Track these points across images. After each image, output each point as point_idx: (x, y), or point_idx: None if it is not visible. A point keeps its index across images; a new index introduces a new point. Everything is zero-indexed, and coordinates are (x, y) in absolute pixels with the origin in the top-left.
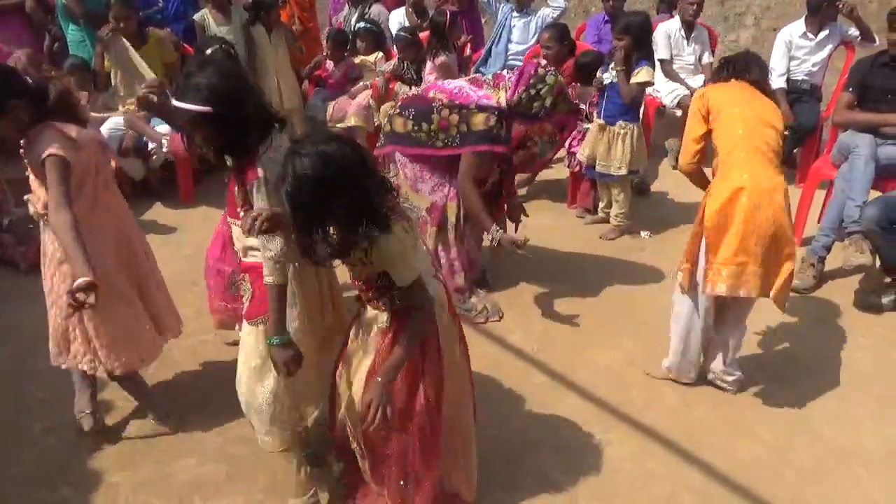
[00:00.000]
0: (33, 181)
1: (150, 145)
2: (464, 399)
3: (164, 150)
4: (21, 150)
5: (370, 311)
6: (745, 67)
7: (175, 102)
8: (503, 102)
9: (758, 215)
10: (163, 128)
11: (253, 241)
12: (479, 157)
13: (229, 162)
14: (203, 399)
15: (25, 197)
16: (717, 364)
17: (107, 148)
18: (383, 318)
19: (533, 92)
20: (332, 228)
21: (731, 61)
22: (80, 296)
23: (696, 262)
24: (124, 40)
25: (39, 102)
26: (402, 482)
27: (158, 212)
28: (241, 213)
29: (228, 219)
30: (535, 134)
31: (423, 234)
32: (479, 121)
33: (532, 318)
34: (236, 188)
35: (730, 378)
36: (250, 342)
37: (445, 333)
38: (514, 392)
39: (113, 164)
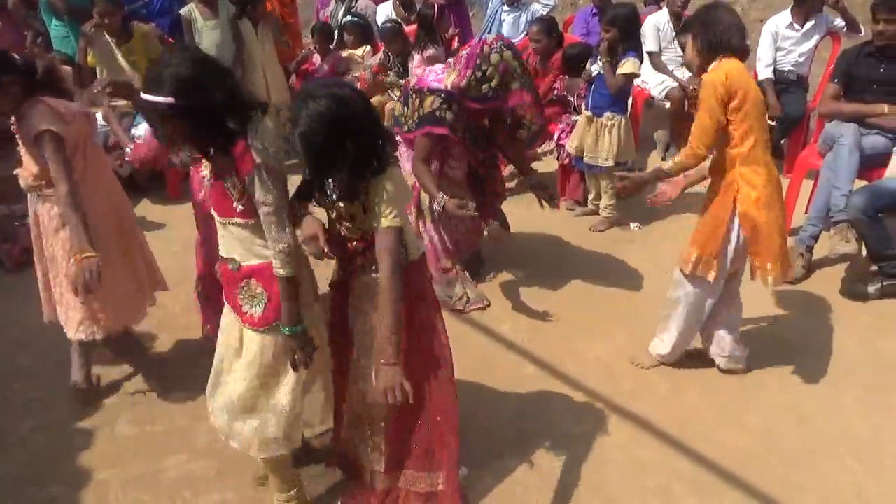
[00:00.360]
0: (24, 155)
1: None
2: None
3: (127, 158)
4: (13, 128)
5: (359, 283)
6: (741, 41)
7: (143, 95)
8: (450, 85)
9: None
10: (141, 129)
11: (258, 242)
12: (424, 138)
13: (210, 154)
14: (190, 396)
15: (16, 171)
16: (726, 344)
17: (93, 119)
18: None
19: (479, 74)
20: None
21: (720, 34)
22: (87, 276)
23: (721, 252)
24: (108, 37)
25: (28, 77)
26: (426, 456)
27: (146, 208)
28: (238, 207)
29: (218, 217)
30: (523, 117)
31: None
32: (427, 104)
33: (522, 308)
34: (227, 182)
35: (744, 354)
36: (254, 350)
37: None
38: (505, 383)
39: None
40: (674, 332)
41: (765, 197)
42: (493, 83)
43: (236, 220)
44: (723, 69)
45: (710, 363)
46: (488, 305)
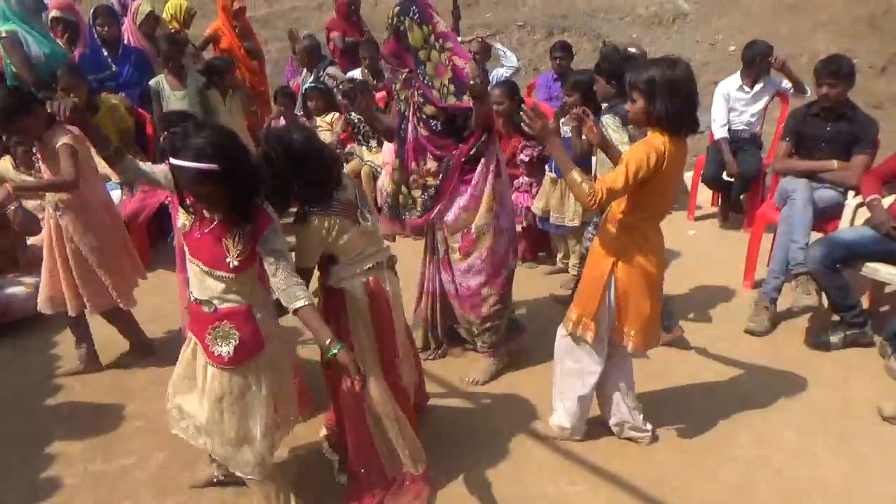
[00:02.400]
0: (45, 172)
1: None
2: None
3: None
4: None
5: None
6: (694, 117)
7: (175, 161)
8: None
9: None
10: (115, 194)
11: (237, 291)
12: None
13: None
14: (154, 472)
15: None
16: (621, 411)
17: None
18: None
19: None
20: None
21: (681, 110)
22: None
23: (598, 312)
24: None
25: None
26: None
27: None
28: (233, 263)
29: (204, 266)
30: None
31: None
32: None
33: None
34: (230, 239)
35: (642, 424)
36: (222, 390)
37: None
38: (479, 444)
39: None
40: (566, 401)
41: (643, 265)
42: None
43: (224, 273)
44: (663, 139)
45: (682, 421)
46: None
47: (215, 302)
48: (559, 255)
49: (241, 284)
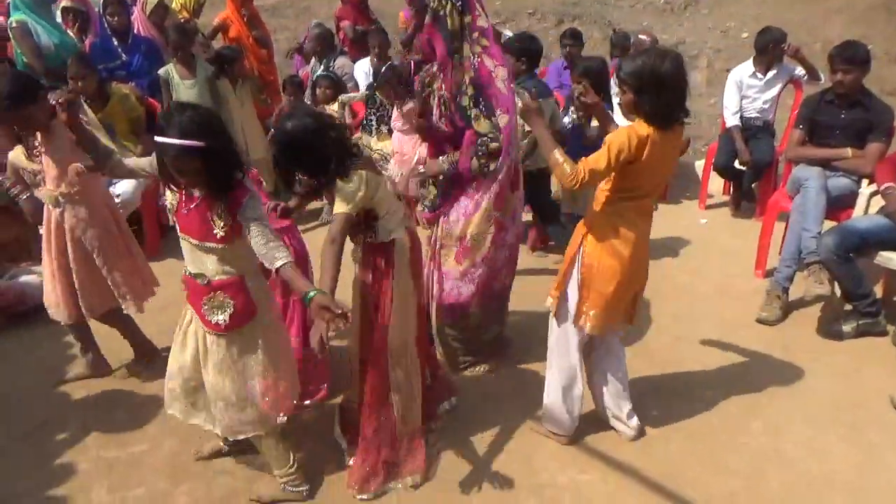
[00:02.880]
0: (54, 171)
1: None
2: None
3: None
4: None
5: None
6: (682, 110)
7: (160, 139)
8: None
9: None
10: (125, 184)
11: (229, 262)
12: None
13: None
14: (169, 458)
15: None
16: (609, 401)
17: None
18: (354, 253)
19: None
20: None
21: (668, 103)
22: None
23: (564, 290)
24: (83, 103)
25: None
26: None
27: None
28: (220, 234)
29: (194, 240)
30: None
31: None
32: None
33: (507, 356)
34: (214, 212)
35: (631, 415)
36: (221, 354)
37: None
38: (489, 436)
39: None
40: (549, 391)
41: (616, 246)
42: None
43: (214, 245)
44: (648, 131)
45: (693, 410)
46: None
47: (208, 274)
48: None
49: (231, 255)
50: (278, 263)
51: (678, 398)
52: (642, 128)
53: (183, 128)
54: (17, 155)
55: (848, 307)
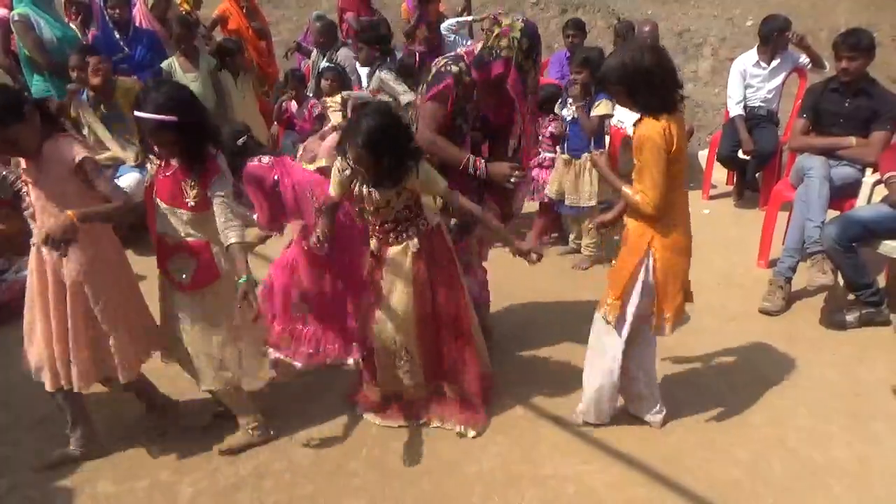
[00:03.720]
0: (46, 206)
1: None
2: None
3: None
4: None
5: (391, 252)
6: (676, 91)
7: (137, 113)
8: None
9: None
10: (128, 178)
11: (194, 227)
12: (431, 103)
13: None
14: (173, 449)
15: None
16: (642, 392)
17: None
18: (412, 245)
19: (486, 39)
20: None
21: (660, 94)
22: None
23: (625, 297)
24: (88, 93)
25: (44, 113)
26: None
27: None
28: (190, 203)
29: (165, 205)
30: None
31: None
32: (433, 69)
33: (511, 348)
34: (187, 182)
35: (659, 416)
36: (192, 308)
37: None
38: (492, 424)
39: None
40: (589, 386)
41: (679, 242)
42: (489, 44)
43: (184, 211)
44: (661, 124)
45: (695, 400)
46: None
47: (173, 234)
48: (571, 237)
49: (199, 224)
50: (230, 241)
51: (680, 387)
52: (656, 131)
53: (158, 103)
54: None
55: (851, 297)
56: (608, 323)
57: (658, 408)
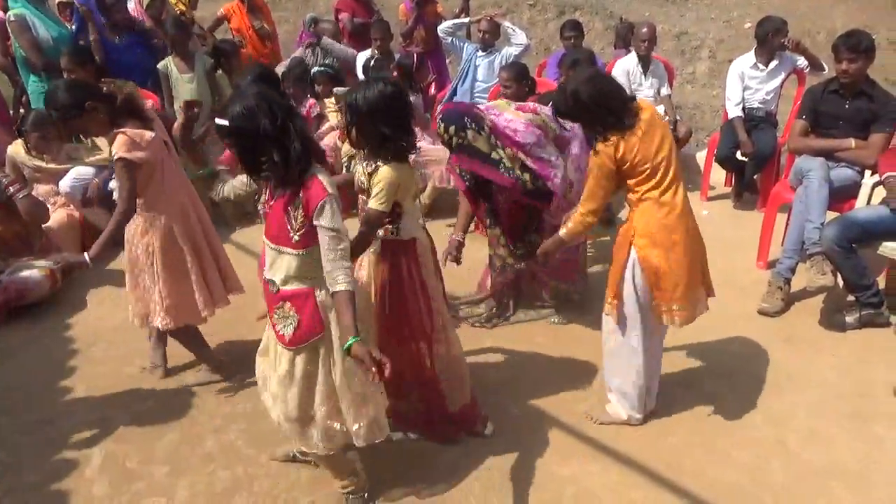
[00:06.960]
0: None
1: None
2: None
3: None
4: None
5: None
6: (623, 114)
7: (217, 120)
8: None
9: None
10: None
11: (301, 271)
12: None
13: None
14: (169, 449)
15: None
16: (651, 384)
17: (169, 144)
18: (375, 245)
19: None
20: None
21: (605, 118)
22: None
23: (619, 296)
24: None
25: (111, 105)
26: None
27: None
28: (295, 238)
29: (271, 243)
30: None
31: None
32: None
33: (513, 345)
34: (290, 211)
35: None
36: (284, 366)
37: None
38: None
39: (78, 214)
40: (613, 385)
41: (662, 241)
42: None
43: (289, 249)
44: (609, 147)
45: (695, 401)
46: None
47: (277, 282)
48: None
49: (305, 263)
50: (338, 287)
51: (680, 389)
52: (605, 153)
53: (228, 109)
54: (16, 150)
55: (850, 298)
56: (615, 322)
57: (654, 394)
